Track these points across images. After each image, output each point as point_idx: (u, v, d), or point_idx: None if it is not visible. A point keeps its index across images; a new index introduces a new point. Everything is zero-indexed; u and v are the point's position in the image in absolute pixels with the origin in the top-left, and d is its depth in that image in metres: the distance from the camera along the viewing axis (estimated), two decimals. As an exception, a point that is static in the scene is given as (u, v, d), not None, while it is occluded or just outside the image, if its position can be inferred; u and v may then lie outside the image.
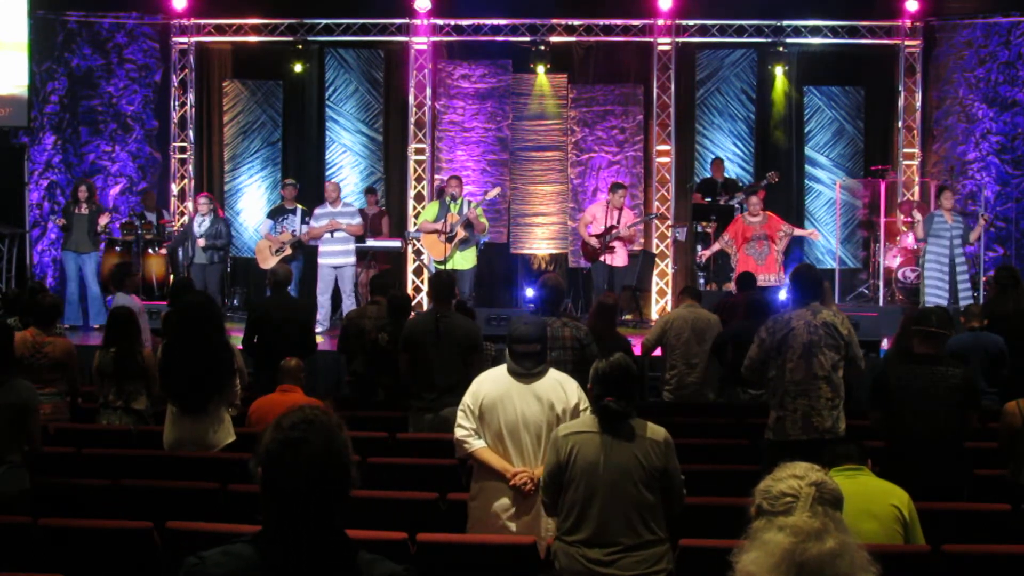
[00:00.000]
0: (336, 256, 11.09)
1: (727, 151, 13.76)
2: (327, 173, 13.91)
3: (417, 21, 13.22)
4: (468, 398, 4.56)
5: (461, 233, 10.91)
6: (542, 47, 13.16)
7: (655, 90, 13.30)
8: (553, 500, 4.06)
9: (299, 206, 11.51)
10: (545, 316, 6.26)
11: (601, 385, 4.02)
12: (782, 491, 2.38)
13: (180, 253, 12.33)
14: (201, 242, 11.64)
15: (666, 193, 13.26)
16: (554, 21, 13.25)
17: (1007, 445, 5.43)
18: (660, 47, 13.25)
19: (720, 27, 13.21)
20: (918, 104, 13.29)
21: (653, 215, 13.02)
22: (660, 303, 13.09)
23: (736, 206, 12.42)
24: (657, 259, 13.09)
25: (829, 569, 2.26)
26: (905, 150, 13.37)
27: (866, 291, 12.92)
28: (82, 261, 11.47)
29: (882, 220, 12.49)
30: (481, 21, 13.33)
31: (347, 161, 14.01)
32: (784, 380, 5.55)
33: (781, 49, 13.27)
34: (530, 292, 12.27)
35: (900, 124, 13.37)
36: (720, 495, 4.73)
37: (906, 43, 13.24)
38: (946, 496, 4.99)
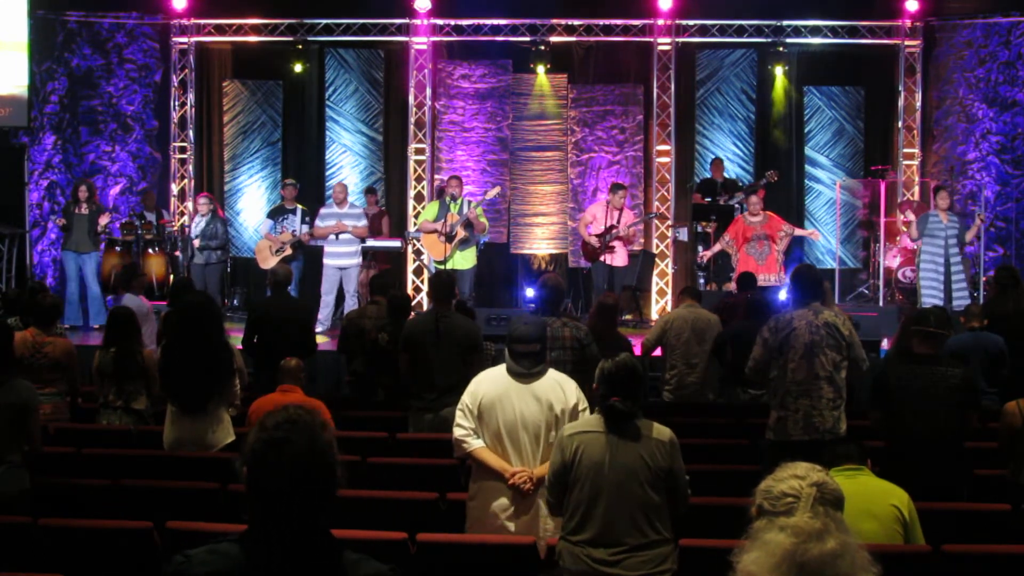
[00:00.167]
0: (342, 257, 11.09)
1: (727, 151, 13.76)
2: (327, 173, 13.92)
3: (417, 21, 13.22)
4: (467, 398, 4.56)
5: (461, 233, 10.91)
6: (542, 47, 13.16)
7: (655, 90, 13.30)
8: (558, 500, 4.05)
9: (299, 206, 11.51)
10: (545, 316, 6.26)
11: (607, 385, 4.02)
12: (783, 491, 2.38)
13: (180, 253, 12.34)
14: (196, 242, 11.65)
15: (666, 193, 13.26)
16: (554, 21, 13.25)
17: (1007, 445, 5.44)
18: (660, 47, 13.25)
19: (720, 27, 13.21)
20: (918, 104, 13.29)
21: (653, 214, 13.02)
22: (660, 303, 13.08)
23: (736, 206, 12.42)
24: (657, 259, 13.09)
25: (830, 569, 2.26)
26: (905, 150, 13.37)
27: (866, 291, 12.92)
28: (82, 261, 11.47)
29: (882, 220, 12.49)
30: (481, 21, 13.33)
31: (347, 161, 14.01)
32: (786, 380, 5.55)
33: (781, 49, 13.27)
34: (530, 292, 12.27)
35: (900, 124, 13.37)
36: (720, 495, 4.73)
37: (906, 43, 13.24)
38: (946, 496, 4.99)
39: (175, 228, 12.98)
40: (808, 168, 13.95)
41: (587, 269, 12.19)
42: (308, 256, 11.79)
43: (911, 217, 11.64)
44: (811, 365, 5.50)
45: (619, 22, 13.27)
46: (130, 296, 8.60)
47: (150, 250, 12.31)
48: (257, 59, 13.97)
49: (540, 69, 13.32)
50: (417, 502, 4.93)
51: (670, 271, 13.14)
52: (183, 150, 13.69)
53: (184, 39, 13.54)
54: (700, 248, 12.29)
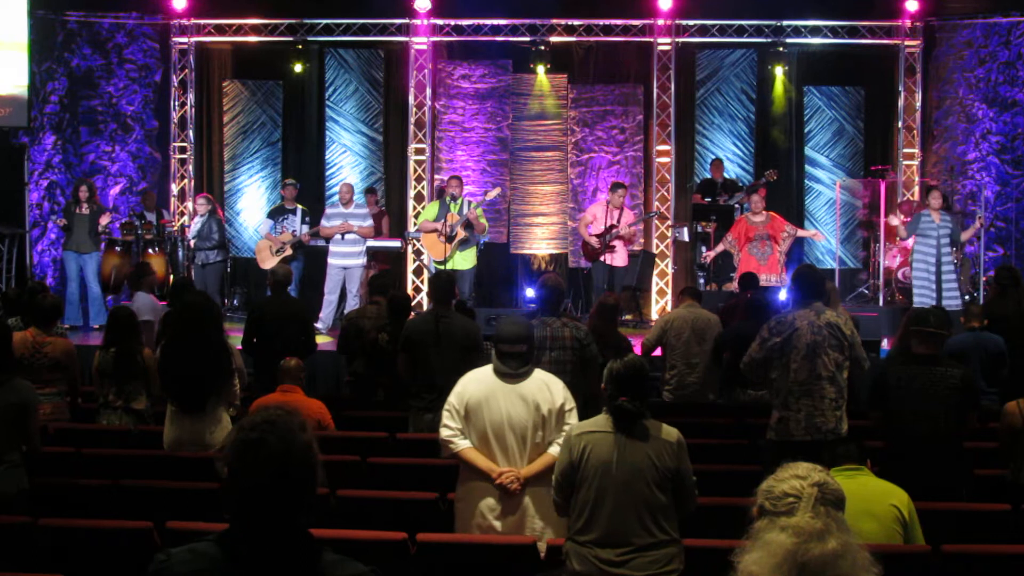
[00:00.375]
0: (346, 257, 11.10)
1: (727, 151, 13.77)
2: (327, 173, 13.93)
3: (417, 21, 13.22)
4: (453, 398, 4.56)
5: (461, 233, 10.91)
6: (542, 47, 13.16)
7: (655, 90, 13.30)
8: (565, 499, 4.05)
9: (299, 206, 11.51)
10: (545, 316, 6.26)
11: (615, 385, 4.03)
12: (784, 491, 2.38)
13: (180, 253, 12.34)
14: (192, 243, 11.65)
15: (666, 193, 13.26)
16: (554, 21, 13.25)
17: (1007, 445, 5.44)
18: (660, 47, 13.25)
19: (720, 27, 13.21)
20: (918, 104, 13.29)
21: (653, 214, 13.02)
22: (660, 303, 13.08)
23: (736, 206, 12.42)
24: (657, 259, 13.09)
25: (831, 569, 2.26)
26: (905, 150, 13.37)
27: (866, 291, 12.92)
28: (83, 261, 11.48)
29: (882, 220, 12.48)
30: (481, 21, 13.33)
31: (347, 161, 14.01)
32: (788, 380, 5.55)
33: (781, 49, 13.27)
34: (530, 292, 12.28)
35: (900, 124, 13.37)
36: (721, 495, 4.73)
37: (906, 43, 13.24)
38: (946, 496, 4.99)
39: (175, 228, 12.98)
40: (808, 168, 13.95)
41: (587, 269, 12.18)
42: (308, 256, 11.79)
43: (895, 222, 11.69)
44: (813, 365, 5.50)
45: (619, 22, 13.27)
46: (142, 295, 8.64)
47: (150, 250, 12.30)
48: (257, 59, 13.96)
49: (540, 69, 13.32)
50: (417, 502, 4.93)
51: (670, 271, 13.14)
52: (183, 150, 13.69)
53: (184, 39, 13.54)
54: (703, 248, 12.28)
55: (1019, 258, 12.56)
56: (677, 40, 13.24)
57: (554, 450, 4.43)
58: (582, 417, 6.15)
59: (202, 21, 13.51)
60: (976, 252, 12.20)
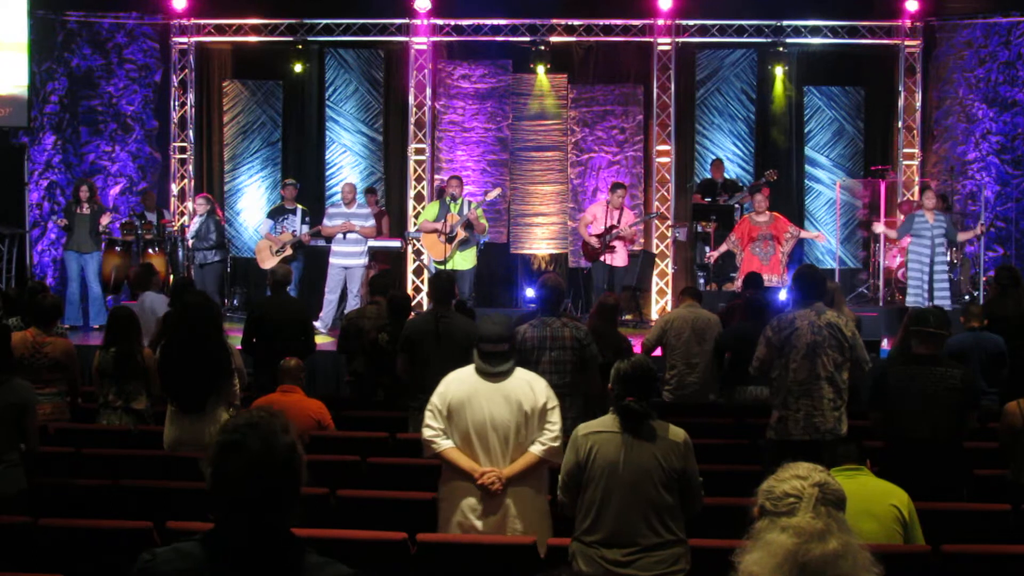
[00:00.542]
0: (347, 256, 11.09)
1: (727, 151, 13.77)
2: (327, 173, 13.94)
3: (417, 21, 13.22)
4: (436, 398, 4.57)
5: (461, 234, 10.91)
6: (542, 47, 13.16)
7: (655, 90, 13.30)
8: (571, 500, 4.05)
9: (299, 206, 11.51)
10: (545, 316, 6.26)
11: (622, 385, 4.02)
12: (785, 492, 2.39)
13: (180, 253, 12.34)
14: (191, 243, 11.66)
15: (666, 193, 13.26)
16: (554, 21, 13.25)
17: (1008, 445, 5.44)
18: (660, 47, 13.25)
19: (720, 27, 13.21)
20: (918, 104, 13.29)
21: (653, 214, 13.02)
22: (660, 303, 13.08)
23: (736, 206, 12.42)
24: (657, 259, 13.09)
25: (832, 570, 2.27)
26: (905, 150, 13.36)
27: (866, 291, 12.91)
28: (84, 261, 11.48)
29: (882, 220, 12.48)
30: (481, 21, 13.33)
31: (347, 161, 14.01)
32: (787, 380, 5.55)
33: (781, 49, 13.27)
34: (530, 292, 12.28)
35: (900, 124, 13.37)
36: (721, 495, 4.73)
37: (906, 43, 13.24)
38: (946, 496, 4.99)
39: (175, 228, 12.98)
40: (808, 168, 13.95)
41: (587, 269, 12.18)
42: (308, 256, 11.79)
43: (879, 229, 11.79)
44: (813, 365, 5.50)
45: (619, 22, 13.27)
46: (151, 294, 8.66)
47: (150, 250, 12.30)
48: (257, 59, 13.96)
49: (540, 69, 13.32)
50: (417, 502, 4.93)
51: (670, 271, 13.14)
52: (183, 150, 13.69)
53: (184, 39, 13.53)
54: (707, 249, 12.25)
55: (1019, 258, 12.56)
56: (677, 40, 13.24)
57: (536, 449, 4.44)
58: (582, 418, 6.19)
59: (202, 21, 13.51)
60: (976, 252, 12.20)
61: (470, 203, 11.17)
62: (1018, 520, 4.86)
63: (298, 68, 13.54)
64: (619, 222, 11.48)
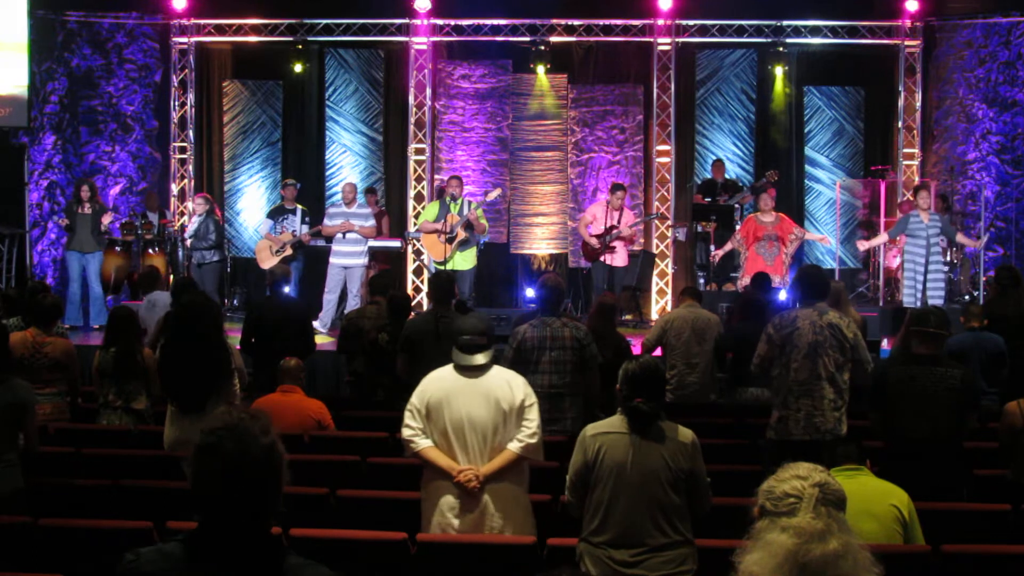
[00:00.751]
0: (347, 256, 11.09)
1: (727, 151, 13.77)
2: (327, 173, 13.94)
3: (417, 21, 13.22)
4: (414, 397, 4.58)
5: (461, 234, 10.91)
6: (542, 47, 13.16)
7: (655, 90, 13.30)
8: (579, 500, 4.05)
9: (299, 206, 11.51)
10: (545, 316, 6.27)
11: (630, 386, 4.02)
12: (785, 492, 2.39)
13: (180, 253, 12.34)
14: (189, 242, 11.66)
15: (666, 193, 13.26)
16: (554, 21, 13.25)
17: (1008, 445, 5.44)
18: (660, 47, 13.25)
19: (720, 27, 13.21)
20: (918, 104, 13.29)
21: (654, 215, 13.02)
22: (660, 303, 13.08)
23: (736, 206, 12.43)
24: (657, 259, 13.10)
25: (832, 570, 2.27)
26: (905, 150, 13.37)
27: (866, 291, 12.92)
28: (86, 261, 11.48)
29: (882, 220, 12.48)
30: (481, 21, 13.33)
31: (347, 161, 14.01)
32: (788, 380, 5.55)
33: (781, 49, 13.27)
34: (530, 292, 12.27)
35: (900, 124, 13.37)
36: (721, 495, 4.72)
37: (906, 43, 13.24)
38: (946, 496, 4.99)
39: (175, 228, 12.99)
40: (808, 168, 13.95)
41: (587, 269, 12.19)
42: (308, 256, 11.79)
43: (864, 247, 11.84)
44: (814, 365, 5.50)
45: (619, 22, 13.27)
46: (160, 293, 8.67)
47: (150, 250, 12.31)
48: (257, 59, 13.96)
49: (540, 69, 13.32)
50: (417, 502, 4.91)
51: (670, 271, 13.14)
52: (183, 150, 13.69)
53: (184, 39, 13.53)
54: (712, 248, 12.23)
55: (1019, 258, 12.56)
56: (677, 40, 13.24)
57: (514, 446, 4.44)
58: (582, 417, 6.19)
59: (202, 21, 13.51)
60: (976, 252, 12.20)
61: (470, 203, 11.17)
62: (1018, 520, 4.86)
63: (298, 68, 13.54)
64: (619, 222, 11.48)
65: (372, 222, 11.31)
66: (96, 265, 11.53)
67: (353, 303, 10.96)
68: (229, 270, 12.52)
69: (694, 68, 13.79)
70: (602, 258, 11.51)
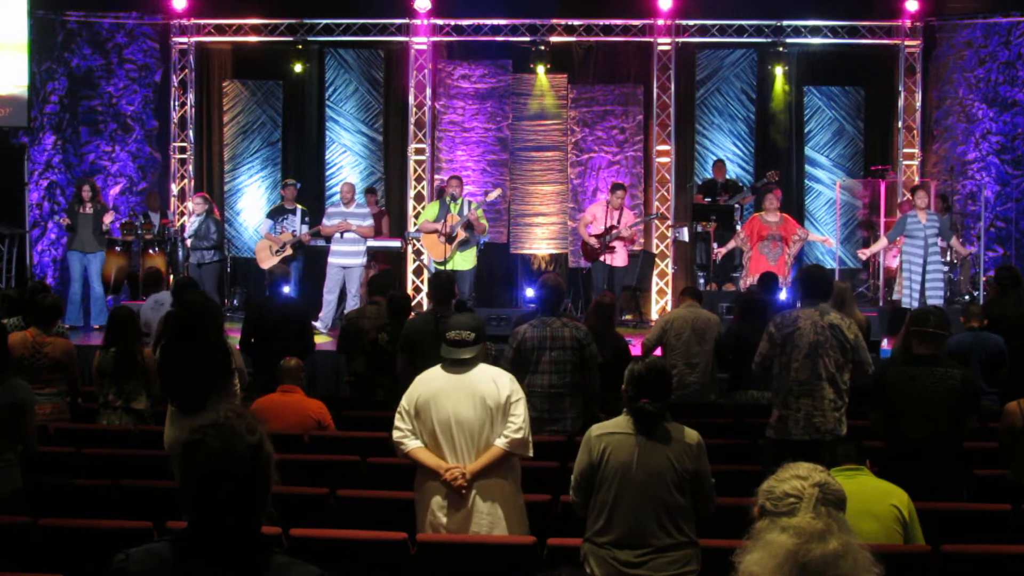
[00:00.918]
0: (346, 256, 11.09)
1: (727, 151, 13.77)
2: (327, 173, 13.94)
3: (417, 21, 13.22)
4: (404, 399, 4.60)
5: (461, 234, 10.91)
6: (542, 47, 13.16)
7: (655, 90, 13.30)
8: (583, 500, 4.05)
9: (299, 206, 11.51)
10: (545, 316, 6.27)
11: (636, 386, 4.01)
12: (785, 492, 2.39)
13: (180, 253, 12.34)
14: (188, 242, 11.66)
15: (666, 193, 13.27)
16: (554, 21, 13.25)
17: (1007, 445, 5.43)
18: (660, 47, 13.25)
19: (720, 27, 13.21)
20: (918, 104, 13.29)
21: (654, 215, 13.02)
22: (660, 303, 13.08)
23: (736, 206, 12.43)
24: (657, 259, 13.10)
25: (832, 570, 2.27)
26: (905, 150, 13.37)
27: (866, 291, 12.91)
28: (88, 261, 11.47)
29: (882, 220, 12.48)
30: (481, 21, 13.33)
31: (347, 161, 14.01)
32: (788, 379, 5.55)
33: (781, 49, 13.27)
34: (530, 292, 12.28)
35: (900, 124, 13.37)
36: (721, 495, 4.72)
37: (906, 43, 13.24)
38: (946, 496, 4.99)
39: (176, 228, 12.99)
40: (808, 168, 13.95)
41: (587, 269, 12.19)
42: (308, 256, 11.79)
43: (866, 256, 11.83)
44: (814, 365, 5.50)
45: (619, 22, 13.27)
46: (166, 293, 8.69)
47: (150, 250, 12.31)
48: (257, 59, 13.96)
49: (540, 69, 13.32)
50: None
51: (670, 271, 13.14)
52: (183, 150, 13.69)
53: (184, 39, 13.53)
54: (714, 246, 12.23)
55: (1019, 258, 12.56)
56: (677, 40, 13.24)
57: (500, 442, 4.44)
58: (581, 417, 6.19)
59: (202, 21, 13.51)
60: (976, 252, 12.20)
61: (470, 203, 11.17)
62: (1018, 520, 4.86)
63: (298, 68, 13.54)
64: (619, 222, 11.48)
65: (370, 222, 11.30)
66: (98, 265, 11.52)
67: (352, 303, 10.95)
68: (229, 270, 12.52)
69: (694, 68, 13.79)
70: (602, 258, 11.51)
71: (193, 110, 13.71)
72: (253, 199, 14.04)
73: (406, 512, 4.70)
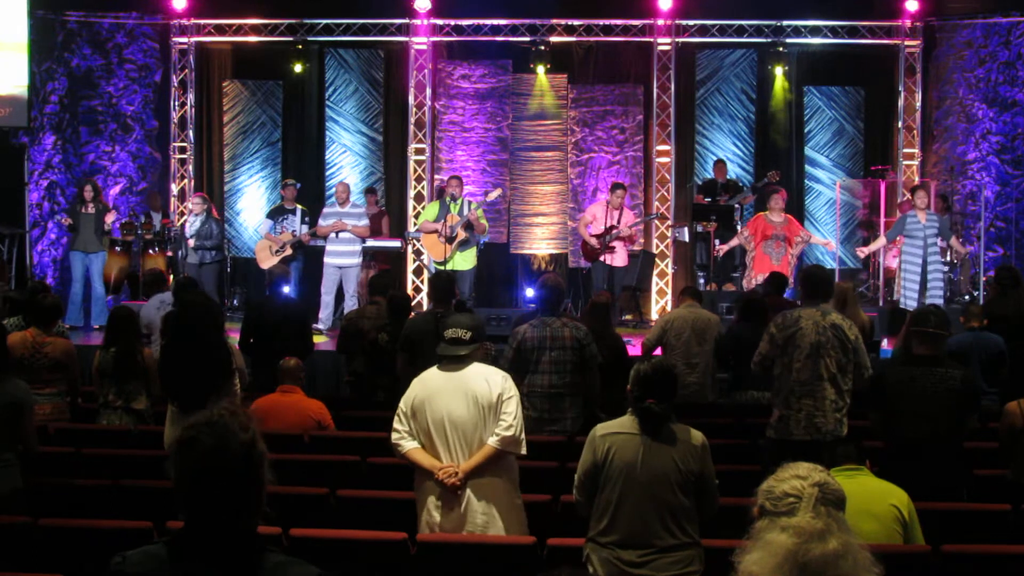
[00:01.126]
0: (342, 256, 11.09)
1: (727, 151, 13.76)
2: (327, 173, 13.93)
3: (417, 21, 13.22)
4: (402, 401, 4.62)
5: (461, 234, 10.91)
6: (542, 47, 13.16)
7: (655, 90, 13.30)
8: (587, 499, 4.05)
9: (299, 206, 11.51)
10: (545, 316, 6.27)
11: (642, 387, 4.01)
12: (785, 491, 2.39)
13: (180, 253, 12.34)
14: (191, 242, 11.66)
15: (666, 193, 13.27)
16: (554, 21, 13.25)
17: (1007, 445, 5.43)
18: (660, 47, 13.25)
19: (720, 27, 13.21)
20: (918, 104, 13.29)
21: (654, 215, 13.02)
22: (660, 303, 13.08)
23: (736, 207, 12.42)
24: (657, 259, 13.10)
25: (832, 569, 2.27)
26: (905, 150, 13.37)
27: (866, 291, 12.91)
28: (89, 260, 11.47)
29: (882, 220, 12.48)
30: (481, 21, 13.33)
31: (347, 161, 14.01)
32: (790, 379, 5.54)
33: (781, 49, 13.27)
34: (530, 292, 12.28)
35: (900, 124, 13.37)
36: (721, 495, 4.72)
37: (906, 43, 13.24)
38: (945, 496, 4.99)
39: (176, 228, 12.99)
40: (808, 168, 13.95)
41: (587, 269, 12.19)
42: (308, 256, 11.79)
43: (864, 254, 11.82)
44: (816, 366, 5.49)
45: (619, 22, 13.27)
46: (171, 293, 8.66)
47: (150, 250, 12.31)
48: (257, 59, 13.96)
49: (540, 69, 13.32)
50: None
51: (670, 271, 13.14)
52: (183, 150, 13.69)
53: (184, 39, 13.53)
54: (717, 242, 12.23)
55: (1019, 258, 12.56)
56: (677, 40, 13.24)
57: (492, 441, 4.45)
58: (581, 417, 6.19)
59: (202, 21, 13.51)
60: (976, 252, 12.19)
61: (470, 203, 11.17)
62: (1018, 520, 4.86)
63: (298, 68, 13.54)
64: (619, 222, 11.48)
65: (365, 221, 11.30)
66: (99, 265, 11.52)
67: (350, 303, 10.96)
68: (229, 270, 12.52)
69: (694, 68, 13.79)
70: (602, 258, 11.51)
71: (193, 110, 13.71)
72: (253, 199, 14.04)
73: (406, 512, 4.70)
